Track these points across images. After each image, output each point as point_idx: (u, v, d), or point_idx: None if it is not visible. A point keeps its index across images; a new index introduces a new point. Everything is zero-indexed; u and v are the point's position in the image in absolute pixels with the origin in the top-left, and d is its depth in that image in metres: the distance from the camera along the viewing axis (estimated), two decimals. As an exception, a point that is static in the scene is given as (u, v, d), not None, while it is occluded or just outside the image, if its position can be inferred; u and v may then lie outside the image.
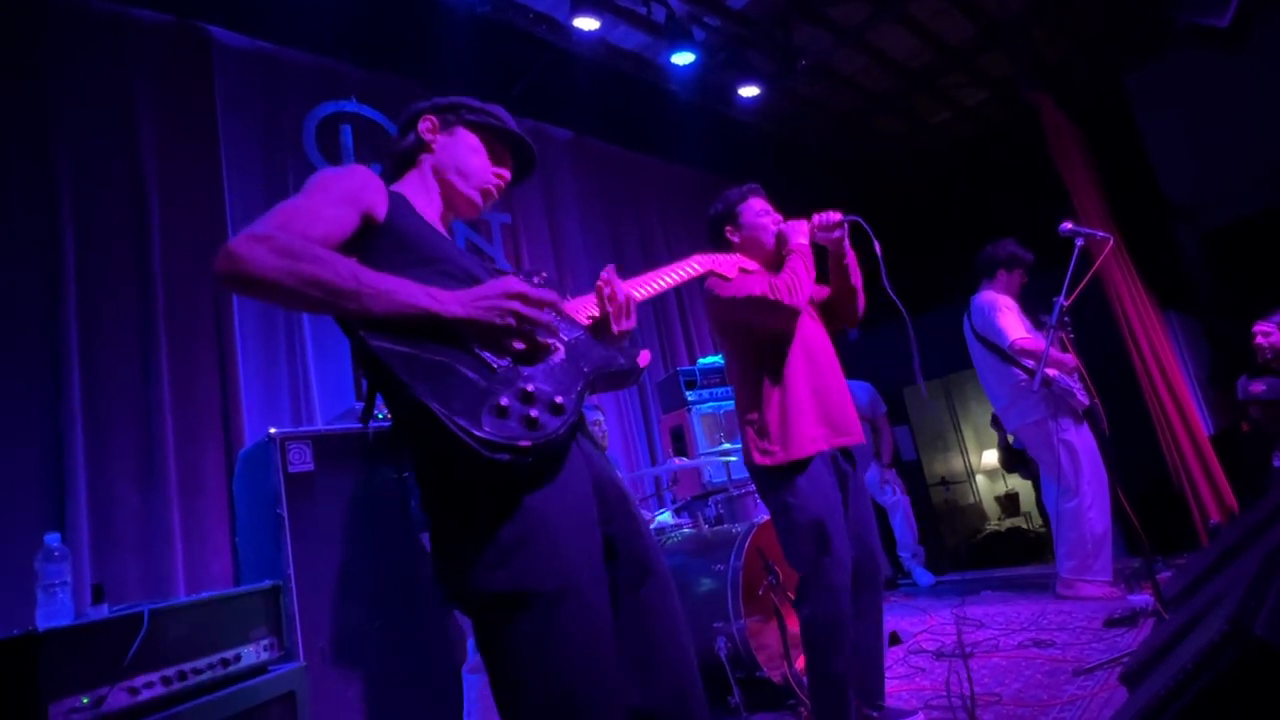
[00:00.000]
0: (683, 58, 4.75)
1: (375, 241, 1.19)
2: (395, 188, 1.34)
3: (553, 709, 0.99)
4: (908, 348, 2.14)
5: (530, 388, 1.08)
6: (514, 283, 1.11)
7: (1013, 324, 3.56)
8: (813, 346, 2.28)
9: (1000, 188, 6.51)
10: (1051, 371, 3.45)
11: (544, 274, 1.33)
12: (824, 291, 2.43)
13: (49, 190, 2.92)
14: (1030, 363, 3.50)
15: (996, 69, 5.96)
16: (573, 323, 1.31)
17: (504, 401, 1.03)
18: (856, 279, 2.34)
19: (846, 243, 2.28)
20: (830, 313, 2.44)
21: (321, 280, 1.01)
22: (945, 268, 4.08)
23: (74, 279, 2.87)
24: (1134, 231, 4.97)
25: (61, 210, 2.91)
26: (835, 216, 2.25)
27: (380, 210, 1.21)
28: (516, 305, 1.09)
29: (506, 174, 1.44)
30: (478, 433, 0.98)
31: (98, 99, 3.15)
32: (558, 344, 1.21)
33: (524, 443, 1.01)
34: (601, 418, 3.81)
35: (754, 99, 5.40)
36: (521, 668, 1.02)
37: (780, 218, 2.38)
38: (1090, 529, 3.40)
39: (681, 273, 1.63)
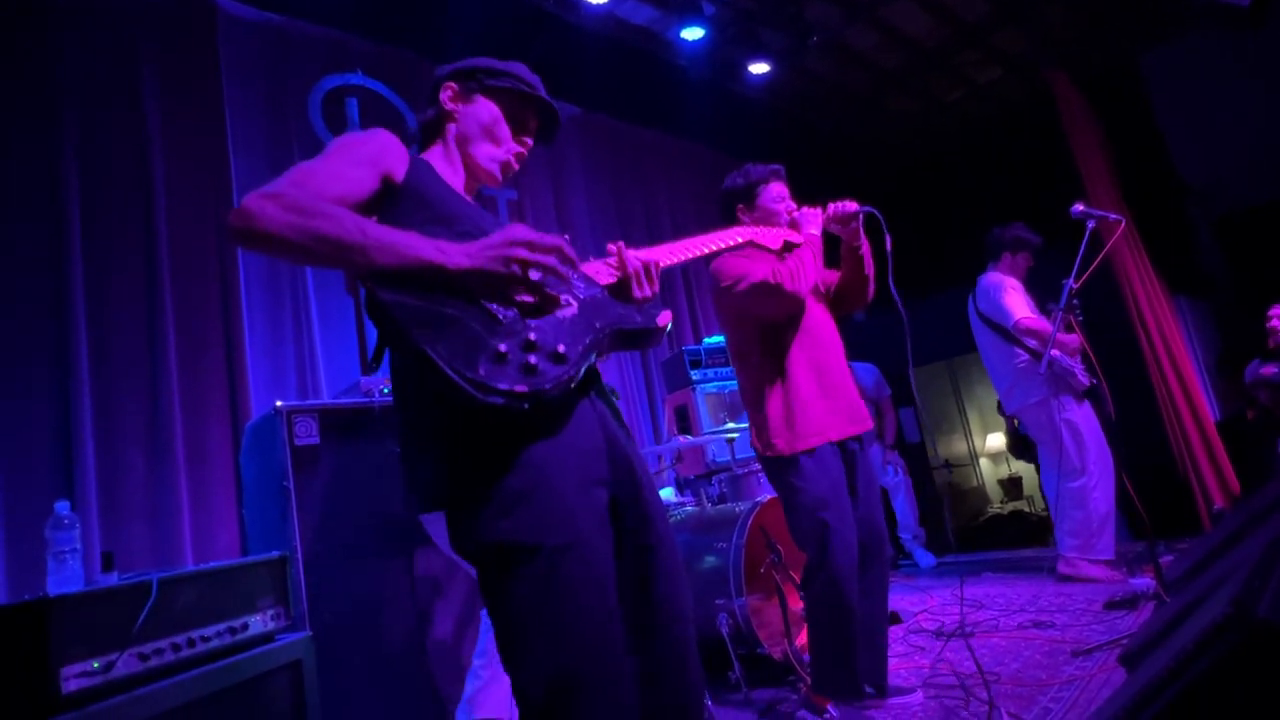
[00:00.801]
0: (692, 33, 4.69)
1: (395, 201, 1.21)
2: (423, 155, 1.38)
3: (555, 660, 1.00)
4: (913, 330, 2.13)
5: (533, 336, 1.08)
6: (519, 230, 1.09)
7: (1017, 304, 3.57)
8: (818, 336, 2.26)
9: (1012, 168, 6.44)
10: (1054, 352, 3.45)
11: (566, 236, 1.33)
12: (833, 277, 2.42)
13: (54, 161, 2.91)
14: (1034, 343, 3.50)
15: (1011, 46, 5.86)
16: (590, 281, 1.29)
17: (502, 348, 1.03)
18: (869, 268, 2.33)
19: (861, 233, 2.26)
20: (839, 299, 2.43)
21: (329, 235, 1.02)
22: (955, 249, 4.06)
23: (80, 249, 2.87)
24: (1146, 214, 4.91)
25: (67, 181, 2.90)
26: (852, 207, 2.23)
27: (399, 172, 1.22)
28: (521, 252, 1.07)
29: (528, 142, 1.43)
30: (470, 374, 0.98)
31: (103, 68, 3.13)
32: (570, 298, 1.19)
33: (520, 388, 1.01)
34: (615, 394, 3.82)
35: (764, 75, 5.33)
36: (524, 618, 1.02)
37: (795, 206, 2.35)
38: (1095, 508, 3.41)
39: (723, 242, 1.61)
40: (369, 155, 1.20)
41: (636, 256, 1.33)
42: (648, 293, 1.31)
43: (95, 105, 3.07)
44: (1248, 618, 0.86)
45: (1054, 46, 5.68)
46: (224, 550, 2.92)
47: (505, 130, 1.39)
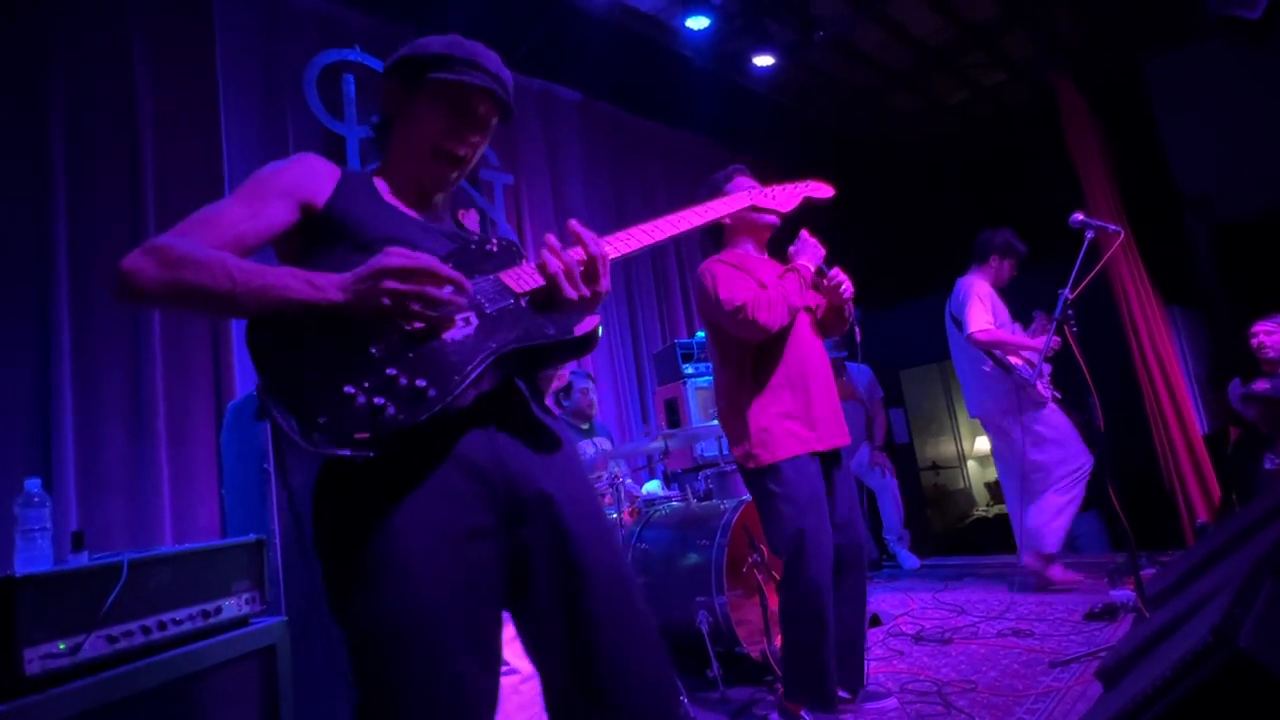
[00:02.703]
0: (698, 22, 4.63)
1: (315, 230, 1.15)
2: (373, 165, 1.32)
3: None
4: (905, 331, 2.14)
5: (391, 372, 0.99)
6: (389, 257, 1.00)
7: (978, 315, 3.54)
8: (805, 348, 2.24)
9: (1013, 171, 6.42)
10: (1016, 360, 3.46)
11: (494, 242, 1.22)
12: (815, 300, 2.40)
13: (41, 129, 2.85)
14: (997, 353, 3.52)
15: (1017, 49, 5.83)
16: (504, 290, 1.14)
17: (348, 391, 0.95)
18: (849, 314, 2.35)
19: (847, 293, 2.28)
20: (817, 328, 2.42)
21: (199, 287, 0.98)
22: (951, 250, 4.03)
23: (65, 221, 2.82)
24: (1143, 222, 4.90)
25: (53, 149, 2.84)
26: (848, 290, 2.26)
27: (321, 197, 1.16)
28: (390, 284, 0.99)
29: (474, 141, 1.26)
30: (310, 424, 0.92)
31: (95, 41, 3.06)
32: (468, 316, 1.09)
33: (359, 435, 0.93)
34: (590, 386, 3.79)
35: (768, 69, 5.28)
36: (361, 700, 1.01)
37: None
38: (1048, 503, 3.42)
39: (725, 209, 1.52)
40: (284, 186, 1.15)
41: (589, 244, 1.16)
42: (580, 294, 1.13)
43: (85, 79, 3.00)
44: (1228, 646, 0.85)
45: (1060, 51, 5.64)
46: (204, 530, 2.90)
47: (448, 124, 1.23)
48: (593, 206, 5.11)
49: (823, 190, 1.93)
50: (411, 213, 1.26)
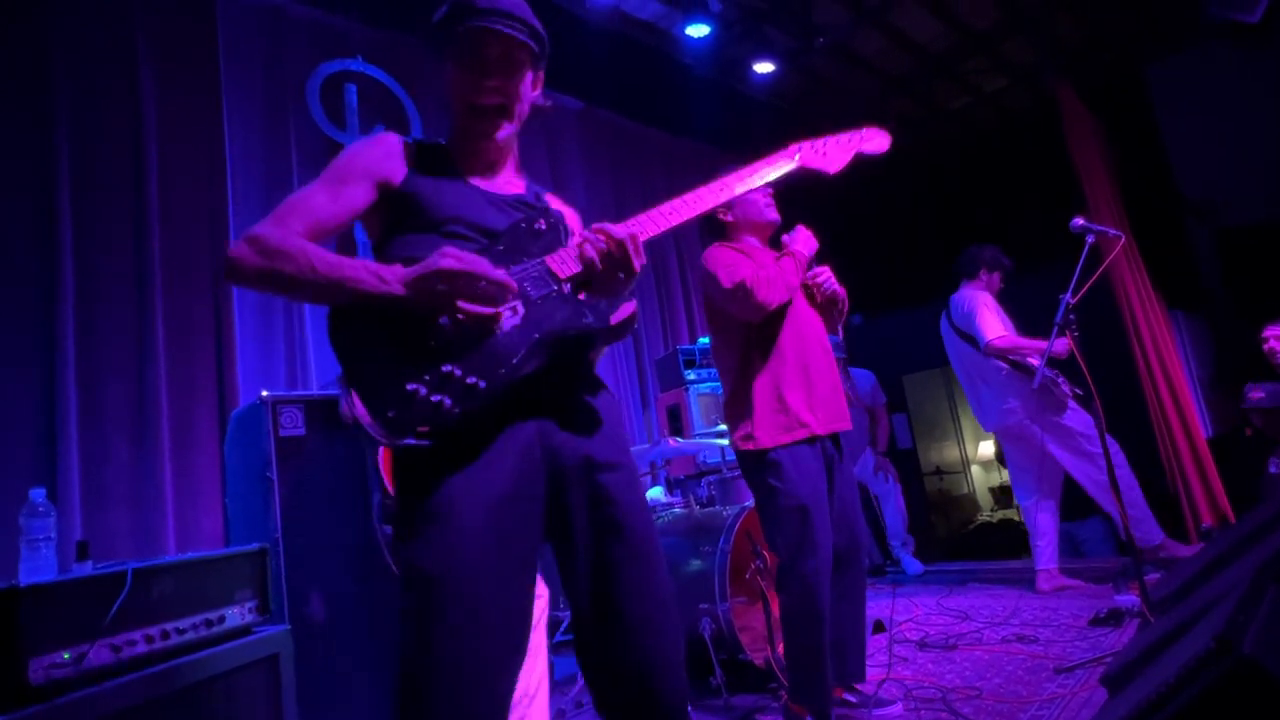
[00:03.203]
0: (698, 30, 4.66)
1: (393, 208, 1.24)
2: (445, 138, 1.36)
3: (412, 678, 1.06)
4: (908, 336, 2.14)
5: (448, 368, 1.09)
6: (443, 259, 1.08)
7: (991, 323, 3.56)
8: (805, 331, 2.26)
9: (1015, 176, 6.43)
10: (1035, 362, 3.45)
11: (543, 220, 1.26)
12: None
13: (45, 140, 2.87)
14: (1013, 358, 3.52)
15: (1018, 55, 5.84)
16: (548, 278, 1.20)
17: (410, 388, 1.06)
18: (843, 308, 2.36)
19: (835, 290, 2.30)
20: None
21: (289, 276, 1.09)
22: (954, 256, 4.04)
23: (70, 230, 2.84)
24: (1146, 227, 4.90)
25: (58, 161, 2.87)
26: (828, 284, 2.28)
27: (398, 176, 1.24)
28: (441, 286, 1.08)
29: (492, 84, 1.25)
30: (380, 418, 1.04)
31: (99, 47, 3.09)
32: (514, 306, 1.16)
33: (422, 428, 1.05)
34: None
35: (769, 75, 5.30)
36: (404, 632, 1.09)
37: (770, 193, 2.37)
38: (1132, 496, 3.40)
39: (765, 169, 1.44)
40: (363, 167, 1.23)
41: (612, 233, 1.19)
42: (615, 276, 1.19)
43: (89, 84, 3.03)
44: (1231, 653, 0.85)
45: (1061, 57, 5.66)
46: (207, 539, 2.90)
47: (471, 84, 1.25)
48: (595, 214, 5.11)
49: (878, 140, 1.71)
50: (479, 181, 1.31)
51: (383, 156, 1.25)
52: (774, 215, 2.36)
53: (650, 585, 1.18)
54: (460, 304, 1.09)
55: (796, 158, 1.50)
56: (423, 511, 1.10)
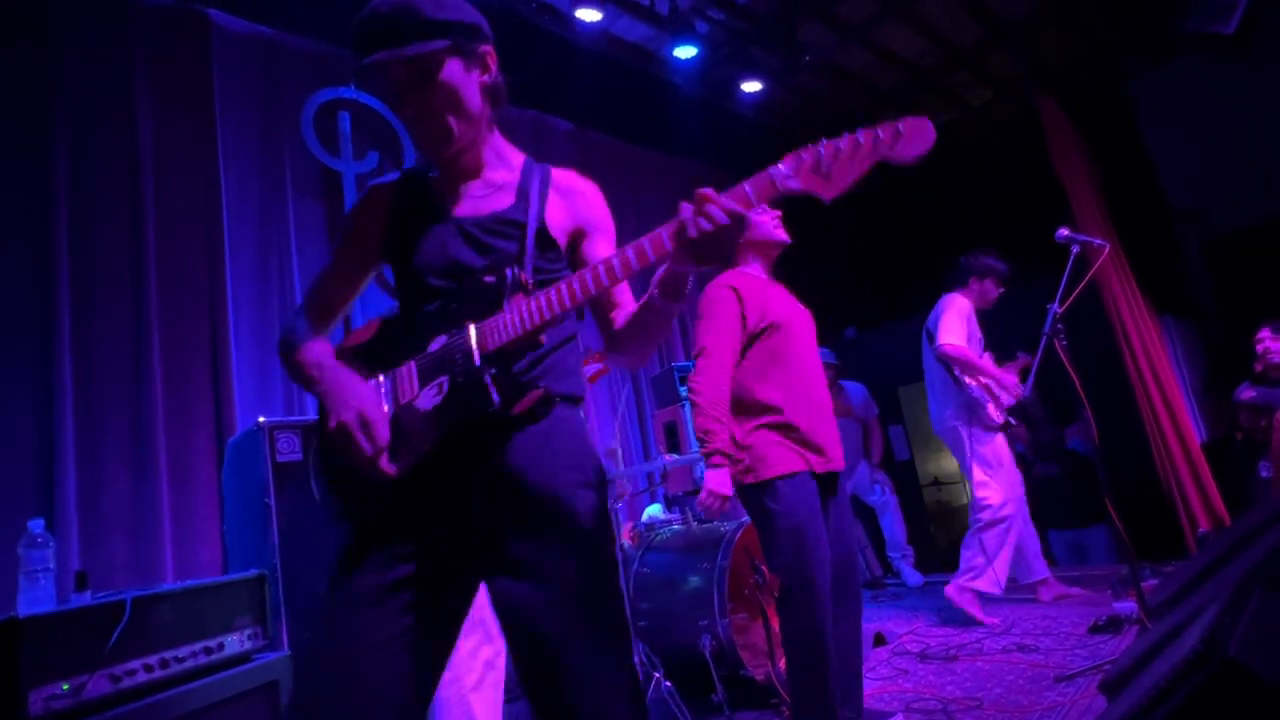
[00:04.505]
0: (685, 51, 4.73)
1: (388, 254, 1.28)
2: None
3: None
4: (903, 348, 2.14)
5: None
6: (349, 413, 1.10)
7: (951, 328, 3.51)
8: (803, 366, 2.25)
9: (1002, 188, 6.50)
10: (972, 381, 3.44)
11: (490, 279, 1.15)
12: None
13: (43, 170, 2.90)
14: (956, 370, 3.49)
15: (1002, 70, 5.94)
16: (468, 354, 1.12)
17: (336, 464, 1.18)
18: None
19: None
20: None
21: (300, 380, 1.22)
22: (943, 268, 4.07)
23: (67, 259, 2.86)
24: (1134, 237, 4.96)
25: (56, 190, 2.90)
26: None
27: (383, 228, 1.26)
28: (328, 429, 1.11)
29: (407, 107, 1.17)
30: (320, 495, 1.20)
31: (97, 79, 3.13)
32: (435, 387, 1.13)
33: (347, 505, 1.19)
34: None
35: (757, 94, 5.38)
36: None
37: (778, 214, 2.37)
38: (996, 540, 3.38)
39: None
40: (358, 235, 1.27)
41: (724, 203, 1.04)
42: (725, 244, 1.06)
43: (87, 115, 3.07)
44: (1217, 655, 0.87)
45: (1044, 71, 5.75)
46: (205, 567, 2.90)
47: (400, 118, 1.20)
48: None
49: (916, 139, 1.17)
50: (457, 202, 1.24)
51: (369, 219, 1.27)
52: (782, 235, 2.35)
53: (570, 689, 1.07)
54: (339, 450, 1.11)
55: (786, 181, 1.09)
56: (340, 556, 1.15)
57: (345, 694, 1.03)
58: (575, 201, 1.31)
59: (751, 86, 5.27)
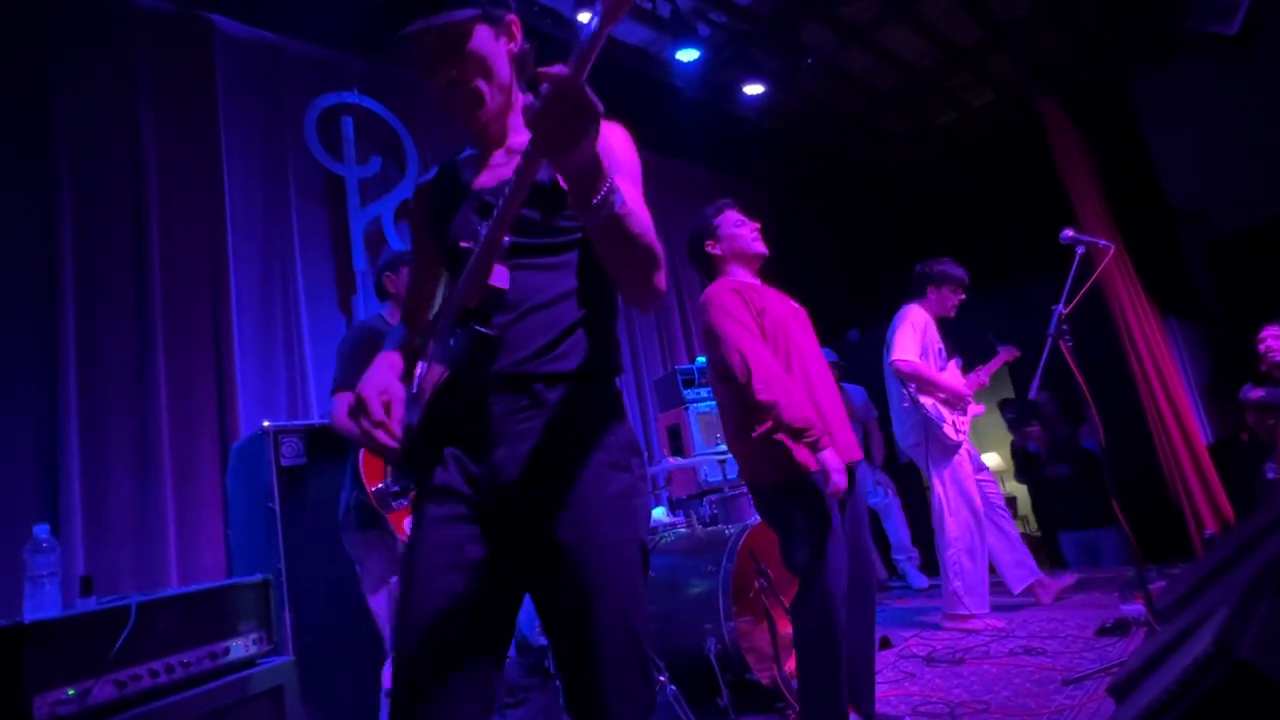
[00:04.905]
0: (687, 54, 4.73)
1: (439, 242, 1.29)
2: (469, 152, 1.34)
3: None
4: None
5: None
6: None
7: (905, 343, 3.45)
8: (809, 365, 2.25)
9: (1004, 191, 6.50)
10: (928, 400, 3.40)
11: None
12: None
13: (48, 175, 2.91)
14: (913, 386, 3.42)
15: (1003, 71, 5.94)
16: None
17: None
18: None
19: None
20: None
21: None
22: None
23: (71, 265, 2.87)
24: (1137, 238, 4.95)
25: (60, 196, 2.90)
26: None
27: (427, 223, 1.31)
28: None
29: (442, 77, 1.18)
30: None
31: (99, 85, 3.14)
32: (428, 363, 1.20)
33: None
34: None
35: (758, 97, 5.38)
36: None
37: (757, 226, 2.38)
38: (970, 562, 3.36)
39: None
40: (418, 225, 1.34)
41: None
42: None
43: (89, 120, 3.08)
44: (1229, 658, 0.86)
45: (1045, 72, 5.75)
46: (210, 571, 2.90)
47: (434, 87, 1.21)
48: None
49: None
50: (482, 180, 1.24)
51: (420, 218, 1.33)
52: (761, 248, 2.36)
53: (607, 648, 1.08)
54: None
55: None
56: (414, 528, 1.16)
57: (434, 653, 1.06)
58: None
59: (753, 89, 5.27)
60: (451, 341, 1.14)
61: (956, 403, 3.46)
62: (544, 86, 0.92)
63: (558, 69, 0.91)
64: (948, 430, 3.41)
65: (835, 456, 2.04)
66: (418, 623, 1.06)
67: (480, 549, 1.11)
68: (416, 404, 1.16)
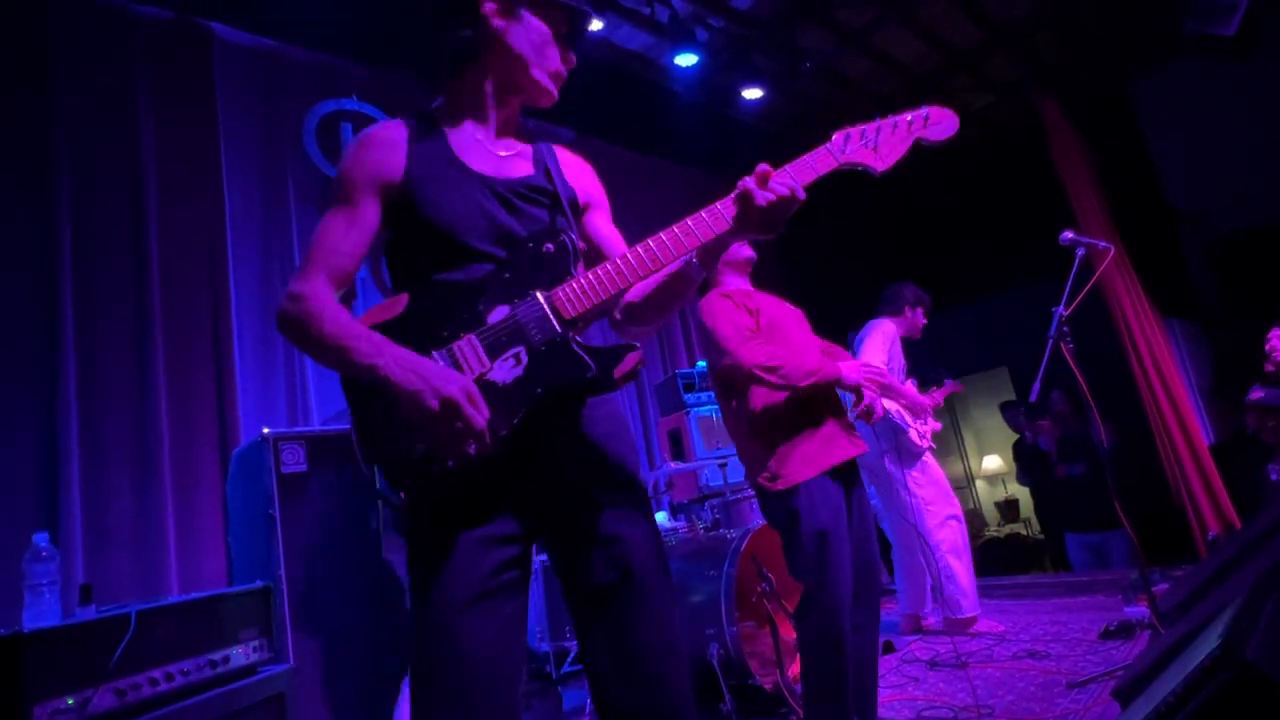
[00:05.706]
0: (686, 59, 4.74)
1: (396, 207, 1.18)
2: (441, 100, 1.28)
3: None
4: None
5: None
6: (449, 385, 1.01)
7: (874, 350, 3.52)
8: (807, 357, 2.25)
9: (1004, 191, 6.49)
10: (892, 406, 3.42)
11: (551, 241, 1.18)
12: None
13: (47, 183, 2.91)
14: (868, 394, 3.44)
15: (1002, 73, 5.94)
16: (547, 321, 1.12)
17: (405, 446, 1.07)
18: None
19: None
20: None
21: (310, 341, 1.10)
22: (945, 273, 4.07)
23: (70, 273, 2.87)
24: (1137, 239, 4.94)
25: (60, 204, 2.91)
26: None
27: (397, 171, 1.17)
28: (433, 404, 1.01)
29: (572, 59, 1.28)
30: (381, 477, 1.09)
31: (99, 93, 3.15)
32: (512, 358, 1.11)
33: (409, 487, 1.09)
34: None
35: (757, 101, 5.39)
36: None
37: None
38: (945, 564, 3.36)
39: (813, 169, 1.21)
40: (365, 176, 1.17)
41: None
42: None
43: (89, 127, 3.08)
44: (1235, 660, 0.86)
45: (1044, 74, 5.75)
46: (210, 579, 2.89)
47: (555, 50, 1.26)
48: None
49: (944, 123, 1.34)
50: (481, 166, 1.22)
51: (376, 162, 1.18)
52: (749, 252, 2.36)
53: (657, 633, 1.13)
54: (442, 433, 1.02)
55: (842, 154, 1.22)
56: (423, 555, 1.11)
57: (486, 692, 1.06)
58: (579, 176, 1.36)
59: (752, 93, 5.28)
60: (541, 348, 1.12)
61: (919, 413, 3.51)
62: (780, 187, 1.11)
63: (799, 178, 1.16)
64: (913, 436, 3.45)
65: (852, 368, 2.12)
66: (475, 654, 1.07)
67: (514, 555, 1.13)
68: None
